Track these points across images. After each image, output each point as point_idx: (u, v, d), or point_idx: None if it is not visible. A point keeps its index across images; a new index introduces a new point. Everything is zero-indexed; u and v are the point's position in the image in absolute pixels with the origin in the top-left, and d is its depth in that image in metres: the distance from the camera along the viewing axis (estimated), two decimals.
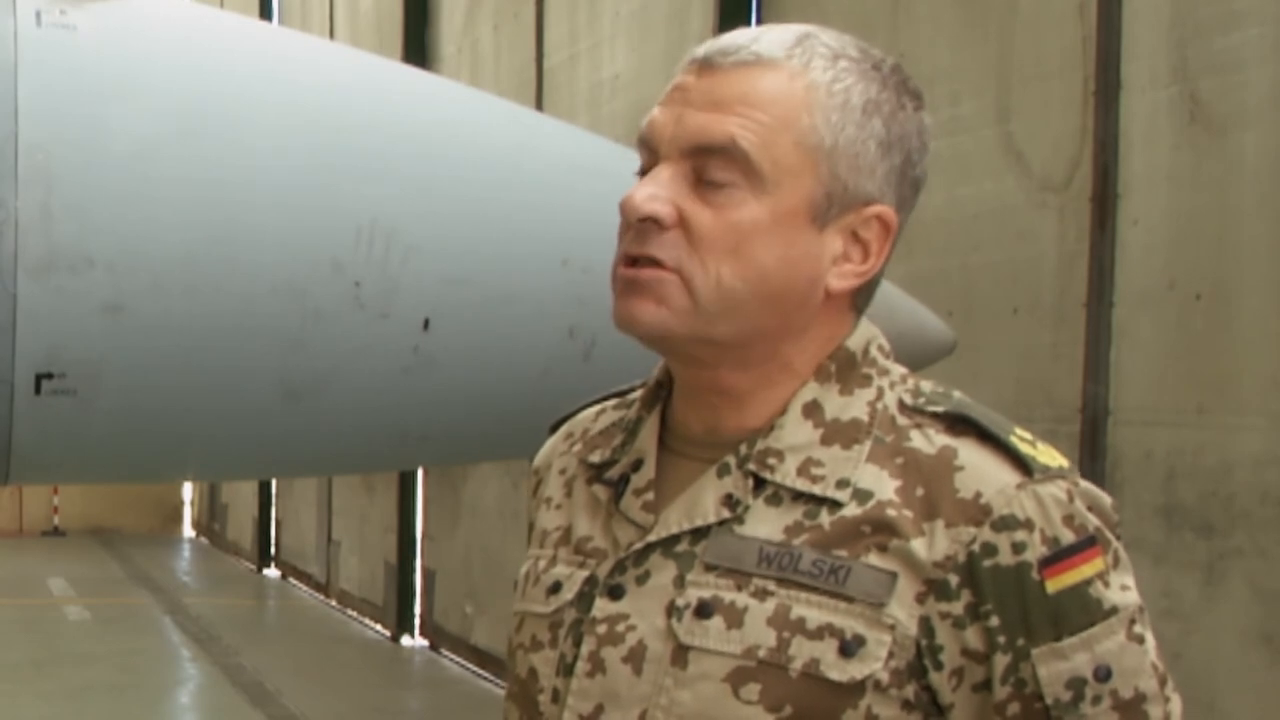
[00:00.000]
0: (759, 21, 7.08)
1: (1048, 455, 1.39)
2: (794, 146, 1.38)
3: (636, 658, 1.40)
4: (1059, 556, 1.35)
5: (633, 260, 1.40)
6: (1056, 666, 1.35)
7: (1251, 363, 4.53)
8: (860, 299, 1.46)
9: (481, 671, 10.47)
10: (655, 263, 1.39)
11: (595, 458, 1.51)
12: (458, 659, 11.01)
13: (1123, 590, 1.38)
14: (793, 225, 1.39)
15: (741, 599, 1.38)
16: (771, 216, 1.38)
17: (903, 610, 1.36)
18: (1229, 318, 4.60)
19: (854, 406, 1.43)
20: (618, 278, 1.42)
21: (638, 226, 1.40)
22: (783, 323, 1.41)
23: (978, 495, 1.36)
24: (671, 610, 1.40)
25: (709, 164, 1.38)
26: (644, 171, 1.43)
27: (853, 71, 1.40)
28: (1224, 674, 4.56)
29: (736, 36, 1.42)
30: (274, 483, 15.80)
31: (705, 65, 1.41)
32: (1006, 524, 1.36)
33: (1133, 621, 1.38)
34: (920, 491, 1.38)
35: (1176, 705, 1.40)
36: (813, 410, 1.43)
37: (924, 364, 3.77)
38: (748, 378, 1.43)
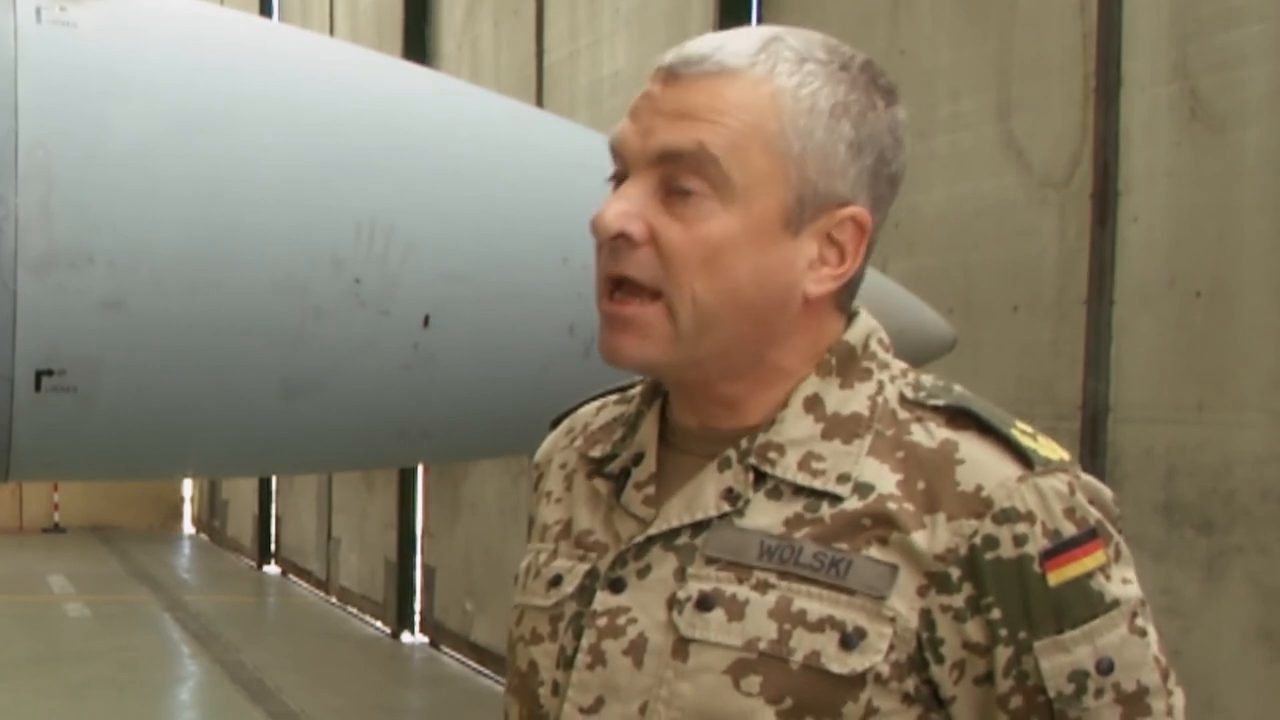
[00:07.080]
0: (760, 17, 7.08)
1: (1048, 448, 1.40)
2: (763, 153, 1.38)
3: (637, 650, 1.41)
4: (1060, 549, 1.36)
5: (614, 284, 1.41)
6: (1058, 659, 1.35)
7: (1252, 359, 4.53)
8: (843, 298, 1.45)
9: (481, 668, 10.47)
10: (633, 285, 1.39)
11: (596, 452, 1.51)
12: (458, 656, 11.01)
13: (1124, 583, 1.38)
14: (765, 233, 1.39)
15: (743, 591, 1.38)
16: (742, 226, 1.38)
17: (903, 603, 1.36)
18: (1229, 315, 4.60)
19: (855, 400, 1.43)
20: (600, 311, 1.43)
21: (610, 244, 1.40)
22: (762, 330, 1.41)
23: (979, 488, 1.36)
24: (672, 603, 1.40)
25: (678, 172, 1.38)
26: (615, 177, 1.44)
27: (819, 75, 1.40)
28: (1224, 671, 4.56)
29: (702, 44, 1.42)
30: (274, 480, 15.81)
31: (671, 75, 1.41)
32: (1008, 517, 1.36)
33: (1135, 615, 1.38)
34: (921, 485, 1.38)
35: (1179, 699, 1.40)
36: (814, 404, 1.43)
37: (925, 361, 3.78)
38: (739, 386, 1.44)
